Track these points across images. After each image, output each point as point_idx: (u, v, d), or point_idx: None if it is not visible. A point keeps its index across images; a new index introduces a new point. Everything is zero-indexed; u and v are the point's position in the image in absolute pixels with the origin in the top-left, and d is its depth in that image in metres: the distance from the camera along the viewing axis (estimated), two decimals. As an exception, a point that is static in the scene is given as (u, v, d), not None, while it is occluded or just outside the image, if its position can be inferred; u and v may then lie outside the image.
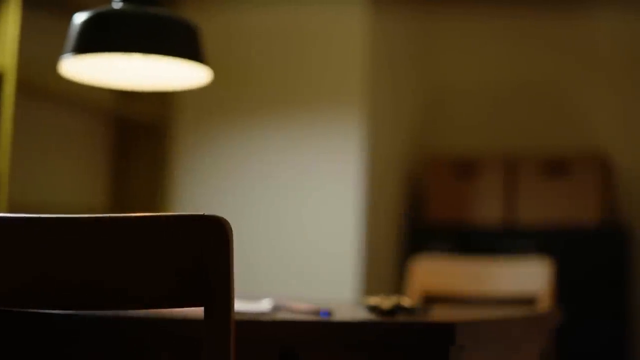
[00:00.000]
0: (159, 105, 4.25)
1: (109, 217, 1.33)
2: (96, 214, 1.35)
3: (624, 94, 4.40)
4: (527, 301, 3.04)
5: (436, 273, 3.02)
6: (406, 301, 1.72)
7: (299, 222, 3.98)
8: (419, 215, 4.56)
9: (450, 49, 4.71)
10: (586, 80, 4.45)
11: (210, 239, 1.32)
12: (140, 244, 1.33)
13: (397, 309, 1.69)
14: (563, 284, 4.02)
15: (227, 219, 1.88)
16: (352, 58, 3.96)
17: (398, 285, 4.31)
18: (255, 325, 1.58)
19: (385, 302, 1.70)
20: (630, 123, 4.38)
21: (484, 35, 4.65)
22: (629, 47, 4.41)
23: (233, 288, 1.35)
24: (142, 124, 4.24)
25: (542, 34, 4.55)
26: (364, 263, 3.92)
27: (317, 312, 1.71)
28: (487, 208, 4.24)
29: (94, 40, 2.07)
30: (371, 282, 4.00)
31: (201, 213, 1.33)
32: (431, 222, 4.30)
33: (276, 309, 1.82)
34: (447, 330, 1.45)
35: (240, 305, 1.82)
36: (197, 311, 1.74)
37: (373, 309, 1.71)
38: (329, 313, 1.70)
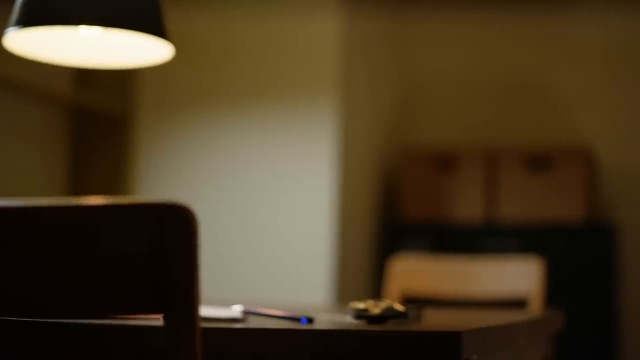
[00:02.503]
0: (120, 95, 4.03)
1: (44, 207, 1.10)
2: (31, 203, 1.11)
3: (608, 87, 4.28)
4: (516, 302, 2.86)
5: (417, 273, 2.83)
6: (398, 306, 1.49)
7: (268, 219, 3.79)
8: (395, 213, 4.38)
9: (430, 41, 4.56)
10: (569, 73, 4.33)
11: (172, 231, 1.09)
12: (86, 238, 1.10)
13: (389, 315, 1.47)
14: (547, 284, 3.86)
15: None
16: (325, 50, 3.80)
17: (374, 286, 4.13)
18: (226, 334, 1.35)
19: (375, 306, 1.48)
20: (614, 117, 4.26)
21: (464, 26, 4.50)
22: (613, 40, 4.29)
23: (199, 290, 1.12)
24: (102, 114, 4.02)
25: (525, 26, 4.41)
26: (337, 262, 3.73)
27: (295, 319, 1.48)
28: (467, 205, 4.06)
29: (40, 11, 1.84)
30: (345, 283, 3.81)
31: (161, 199, 1.09)
32: (407, 220, 4.12)
33: (249, 315, 1.59)
34: (452, 340, 1.23)
35: (207, 311, 1.59)
36: (160, 317, 1.51)
37: (360, 314, 1.48)
38: (309, 320, 1.47)
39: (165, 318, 1.13)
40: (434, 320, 1.58)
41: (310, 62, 3.82)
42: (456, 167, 4.10)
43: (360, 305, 1.49)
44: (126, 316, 1.41)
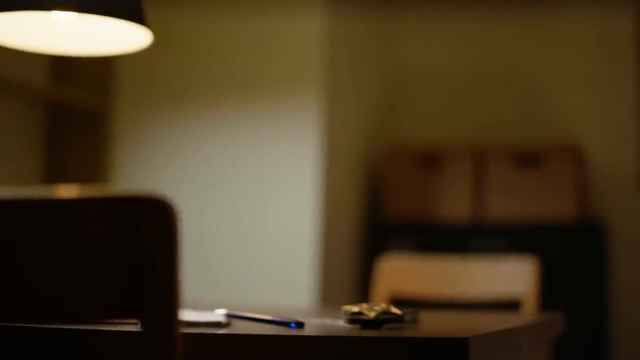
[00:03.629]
0: (99, 89, 3.91)
1: (6, 200, 0.98)
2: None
3: (597, 84, 4.22)
4: (510, 304, 2.76)
5: (406, 274, 2.72)
6: (393, 309, 1.38)
7: (251, 218, 3.68)
8: (381, 212, 4.28)
9: (416, 37, 4.47)
10: (558, 69, 4.27)
11: (150, 226, 0.97)
12: (52, 234, 0.99)
13: (385, 319, 1.36)
14: (541, 285, 3.77)
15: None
16: (310, 47, 3.72)
17: (359, 287, 4.02)
18: (208, 340, 1.24)
19: (369, 309, 1.37)
20: (604, 114, 4.19)
21: (451, 22, 4.42)
22: (603, 37, 4.23)
23: (180, 292, 1.00)
24: (80, 109, 3.91)
25: (513, 22, 4.33)
26: (321, 262, 3.63)
27: (284, 323, 1.37)
28: (454, 203, 3.96)
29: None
30: (329, 283, 3.71)
31: (137, 192, 0.98)
32: (393, 219, 4.01)
33: (233, 319, 1.47)
34: (459, 347, 1.12)
35: (187, 315, 1.48)
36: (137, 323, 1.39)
37: (354, 318, 1.37)
38: (299, 324, 1.36)
39: (142, 323, 1.02)
40: (431, 324, 1.47)
41: (295, 58, 3.72)
42: (443, 165, 4.00)
43: (354, 308, 1.38)
44: (99, 321, 1.30)
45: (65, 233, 0.98)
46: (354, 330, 1.30)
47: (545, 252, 3.78)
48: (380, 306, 1.37)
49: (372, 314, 1.35)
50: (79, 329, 1.27)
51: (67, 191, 1.01)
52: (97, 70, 3.94)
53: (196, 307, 1.88)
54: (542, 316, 1.79)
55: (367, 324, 1.36)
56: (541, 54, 4.30)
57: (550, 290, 3.76)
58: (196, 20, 3.85)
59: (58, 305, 1.01)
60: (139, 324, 1.07)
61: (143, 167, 3.85)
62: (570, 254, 3.77)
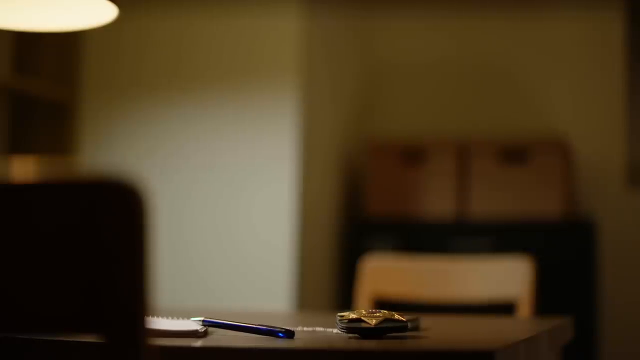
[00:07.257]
0: (63, 81, 3.77)
1: None
2: None
3: (585, 76, 4.14)
4: (504, 306, 2.62)
5: (392, 275, 2.56)
6: (396, 315, 1.20)
7: (223, 218, 3.54)
8: (360, 209, 4.12)
9: (395, 24, 4.35)
10: (543, 60, 4.18)
11: (111, 218, 0.78)
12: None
13: (388, 327, 1.18)
14: (538, 286, 3.65)
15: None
16: (286, 40, 3.60)
17: (338, 289, 3.87)
18: (183, 354, 1.06)
19: (369, 316, 1.18)
20: (592, 108, 4.10)
21: (432, 13, 4.28)
22: (590, 28, 4.14)
23: (148, 296, 0.82)
24: (44, 101, 3.76)
25: (498, 12, 4.23)
26: (299, 263, 3.48)
27: (271, 332, 1.19)
28: (437, 200, 3.81)
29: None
30: (307, 285, 3.55)
31: (96, 174, 0.79)
32: (373, 217, 3.86)
33: (211, 328, 1.28)
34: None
35: (158, 324, 1.28)
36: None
37: (352, 327, 1.19)
38: (288, 334, 1.18)
39: (104, 334, 0.85)
40: (438, 332, 1.29)
41: (270, 52, 3.60)
42: (425, 160, 3.84)
43: (352, 314, 1.19)
44: (51, 334, 1.11)
45: (3, 226, 0.79)
46: (353, 341, 1.12)
47: (532, 250, 3.64)
48: (382, 312, 1.19)
49: (373, 322, 1.17)
50: (30, 338, 1.09)
51: (19, 166, 0.82)
52: (63, 61, 3.79)
53: (167, 313, 1.69)
54: (556, 321, 1.62)
55: (366, 332, 1.17)
56: (526, 47, 4.18)
57: (538, 290, 3.63)
58: (173, 15, 3.70)
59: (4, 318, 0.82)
60: (101, 335, 0.88)
61: (111, 161, 3.69)
62: (557, 252, 3.65)
